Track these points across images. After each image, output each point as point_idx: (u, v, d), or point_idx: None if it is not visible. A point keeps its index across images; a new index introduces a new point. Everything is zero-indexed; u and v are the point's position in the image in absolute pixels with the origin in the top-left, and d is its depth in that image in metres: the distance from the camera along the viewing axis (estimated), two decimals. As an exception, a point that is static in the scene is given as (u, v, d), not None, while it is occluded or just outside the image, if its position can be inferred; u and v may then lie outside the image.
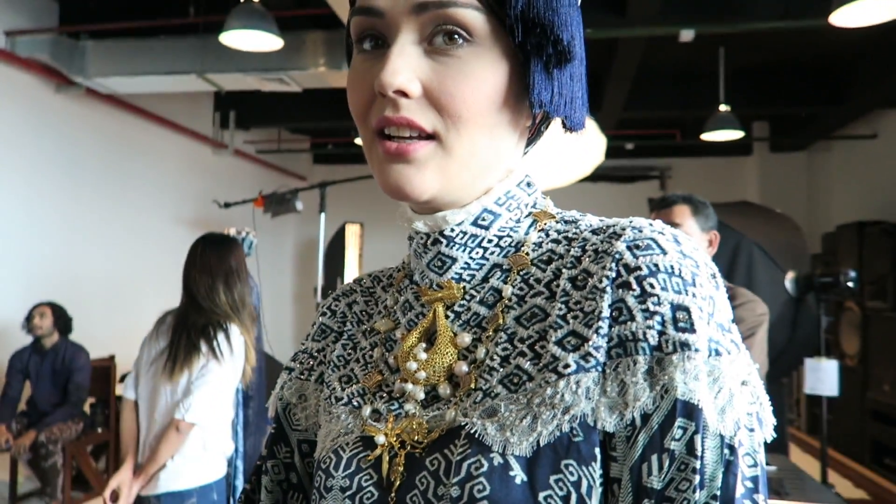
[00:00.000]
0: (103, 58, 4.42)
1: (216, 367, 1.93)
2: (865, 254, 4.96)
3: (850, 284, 2.70)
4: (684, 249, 0.45)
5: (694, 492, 0.40)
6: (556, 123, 0.53)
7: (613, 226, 0.48)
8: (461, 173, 0.48)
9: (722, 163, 7.86)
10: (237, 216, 6.18)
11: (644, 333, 0.42)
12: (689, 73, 5.68)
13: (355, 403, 0.54)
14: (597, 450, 0.42)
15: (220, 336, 1.97)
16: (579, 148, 2.90)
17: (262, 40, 3.43)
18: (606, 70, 5.08)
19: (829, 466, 3.06)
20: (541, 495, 0.41)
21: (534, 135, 0.54)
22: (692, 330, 0.42)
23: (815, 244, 6.56)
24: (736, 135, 4.89)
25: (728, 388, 0.42)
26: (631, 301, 0.43)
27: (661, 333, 0.42)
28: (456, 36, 0.45)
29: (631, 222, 0.48)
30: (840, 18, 2.57)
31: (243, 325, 2.04)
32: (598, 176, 7.38)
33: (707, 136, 4.97)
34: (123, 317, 5.20)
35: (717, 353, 0.42)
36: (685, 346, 0.41)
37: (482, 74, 0.45)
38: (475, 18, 0.44)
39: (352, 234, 7.24)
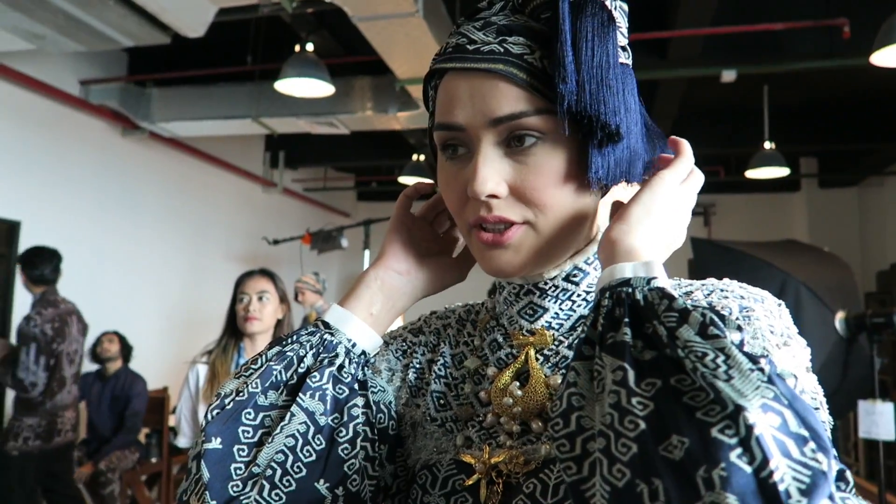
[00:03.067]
0: (167, 104, 4.70)
1: None
2: (922, 293, 4.79)
3: (904, 325, 2.63)
4: (784, 312, 0.55)
5: None
6: None
7: (711, 283, 0.56)
8: (552, 248, 0.55)
9: (768, 199, 7.73)
10: (285, 253, 6.39)
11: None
12: (733, 111, 5.68)
13: (448, 427, 0.60)
14: None
15: None
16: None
17: (314, 87, 3.62)
18: (648, 109, 5.12)
19: (888, 515, 2.94)
20: None
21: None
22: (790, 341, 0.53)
23: (869, 283, 6.36)
24: (781, 172, 4.85)
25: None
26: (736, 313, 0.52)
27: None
28: (527, 138, 0.51)
29: (730, 282, 0.56)
30: (881, 59, 2.58)
31: None
32: (640, 212, 7.36)
33: (751, 174, 4.94)
34: (177, 350, 5.39)
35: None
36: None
37: (556, 166, 0.52)
38: (541, 121, 0.51)
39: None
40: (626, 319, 0.42)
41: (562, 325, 0.58)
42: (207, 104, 4.66)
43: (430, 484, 0.56)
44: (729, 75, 3.82)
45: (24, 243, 4.16)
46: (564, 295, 0.58)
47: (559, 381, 0.55)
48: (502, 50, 0.51)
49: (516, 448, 0.54)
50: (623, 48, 0.55)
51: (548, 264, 0.56)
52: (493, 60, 0.50)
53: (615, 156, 0.52)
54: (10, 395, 4.11)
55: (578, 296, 0.58)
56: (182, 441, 2.19)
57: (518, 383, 0.57)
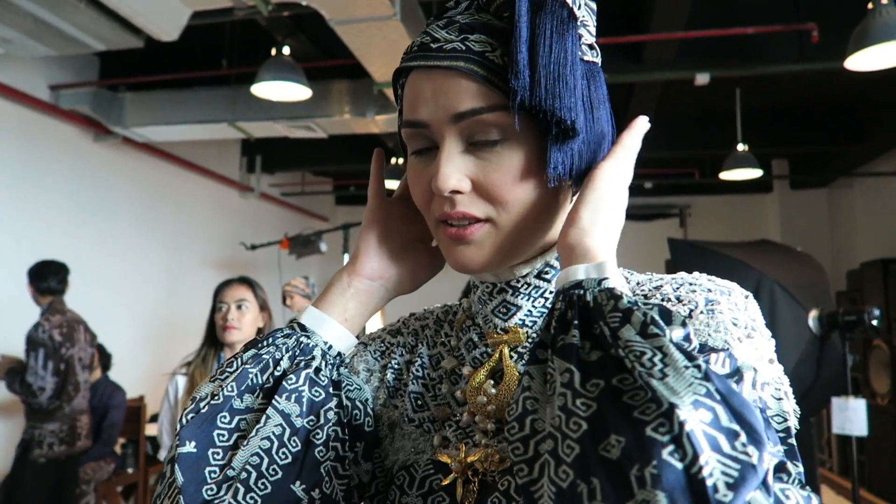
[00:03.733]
0: (140, 108, 4.63)
1: None
2: (891, 291, 4.91)
3: (875, 322, 2.69)
4: (751, 305, 0.55)
5: None
6: None
7: (677, 277, 0.57)
8: (515, 245, 0.55)
9: (742, 200, 7.87)
10: (263, 258, 6.33)
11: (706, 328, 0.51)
12: (707, 114, 5.77)
13: (426, 428, 0.61)
14: None
15: None
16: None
17: (291, 91, 3.59)
18: (623, 111, 5.19)
19: (862, 509, 2.99)
20: None
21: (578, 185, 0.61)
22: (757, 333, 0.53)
23: (840, 282, 6.49)
24: (754, 173, 4.93)
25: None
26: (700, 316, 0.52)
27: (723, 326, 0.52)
28: (489, 134, 0.52)
29: (699, 276, 0.56)
30: (854, 63, 2.64)
31: None
32: (617, 214, 7.44)
33: (725, 175, 5.02)
34: (154, 358, 5.30)
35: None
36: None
37: (518, 163, 0.53)
38: (501, 117, 0.51)
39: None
40: (576, 322, 0.43)
41: (535, 322, 0.59)
42: (182, 108, 4.60)
43: (407, 484, 0.56)
44: (703, 78, 3.88)
45: (-6, 251, 4.06)
46: (537, 292, 0.58)
47: None
48: (464, 48, 0.52)
49: (492, 446, 0.55)
50: (590, 46, 0.56)
51: (513, 260, 0.57)
52: (454, 58, 0.51)
53: (574, 151, 0.52)
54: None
55: (551, 293, 0.59)
56: (163, 453, 2.15)
57: (492, 381, 0.58)
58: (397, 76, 0.58)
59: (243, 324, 2.11)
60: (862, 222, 6.64)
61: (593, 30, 0.57)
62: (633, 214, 8.00)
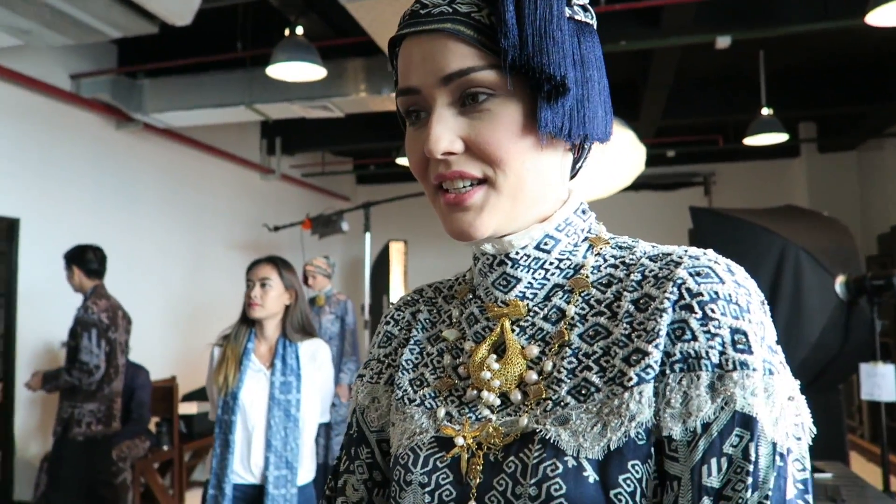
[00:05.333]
0: (159, 94, 4.68)
1: None
2: (924, 254, 4.79)
3: (904, 286, 2.64)
4: (738, 279, 0.52)
5: (747, 492, 0.45)
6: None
7: (670, 254, 0.54)
8: (515, 207, 0.55)
9: (768, 166, 7.70)
10: (286, 239, 6.40)
11: (707, 352, 0.48)
12: (729, 78, 5.63)
13: (428, 405, 0.60)
14: (652, 448, 0.49)
15: None
16: (618, 159, 2.93)
17: (306, 71, 3.59)
18: (643, 79, 5.08)
19: (891, 473, 2.97)
20: (612, 493, 0.48)
21: (579, 154, 0.60)
22: (749, 351, 0.48)
23: (871, 246, 6.35)
24: (780, 138, 4.82)
25: (779, 403, 0.48)
26: (694, 323, 0.49)
27: (721, 353, 0.48)
28: (480, 95, 0.52)
29: (686, 251, 0.54)
30: (876, 18, 2.55)
31: None
32: (640, 185, 7.34)
33: (750, 141, 4.91)
34: (182, 339, 5.43)
35: (770, 373, 0.48)
36: (744, 365, 0.47)
37: (510, 119, 0.52)
38: (491, 76, 0.51)
39: (396, 251, 7.38)
40: None
41: (535, 294, 0.58)
42: (199, 93, 4.63)
43: (412, 463, 0.57)
44: (723, 41, 3.78)
45: (24, 240, 4.17)
46: (536, 264, 0.58)
47: (535, 351, 0.56)
48: (451, 10, 0.52)
49: (497, 420, 0.55)
50: (583, 8, 0.56)
51: (513, 226, 0.56)
52: (441, 20, 0.52)
53: (565, 108, 0.52)
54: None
55: (551, 264, 0.58)
56: (210, 414, 2.29)
57: (495, 356, 0.57)
58: (392, 47, 0.58)
59: (266, 301, 2.17)
60: (893, 184, 6.46)
61: None
62: (655, 184, 7.89)
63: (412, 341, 0.66)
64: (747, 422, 0.46)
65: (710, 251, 0.54)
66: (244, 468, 2.12)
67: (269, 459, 2.10)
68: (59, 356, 4.29)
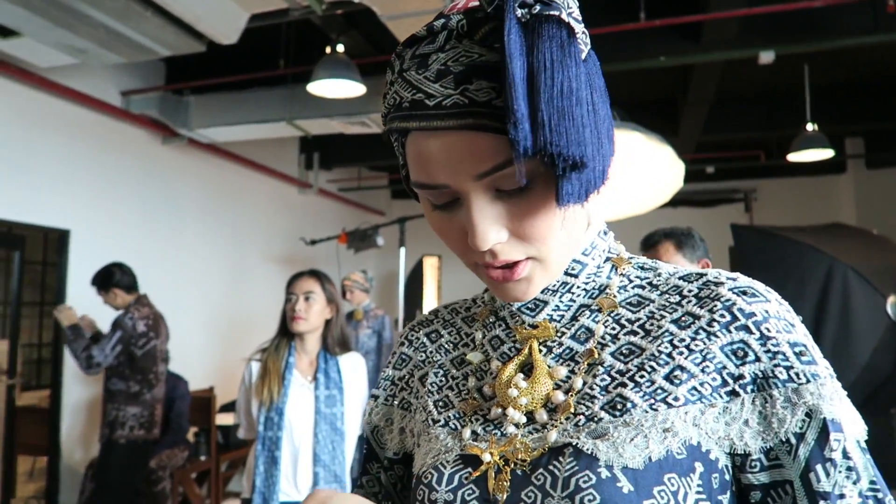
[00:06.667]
0: (204, 110, 4.82)
1: None
2: (981, 274, 4.58)
3: (961, 308, 2.53)
4: (777, 297, 0.55)
5: (856, 483, 0.49)
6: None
7: (704, 274, 0.57)
8: (560, 267, 0.56)
9: (813, 182, 7.50)
10: (322, 252, 6.48)
11: (773, 370, 0.51)
12: (772, 93, 5.52)
13: (453, 426, 0.60)
14: (697, 463, 0.50)
15: None
16: (656, 175, 2.90)
17: (346, 88, 3.66)
18: (683, 95, 5.03)
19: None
20: (645, 503, 0.48)
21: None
22: (815, 362, 0.51)
23: (923, 265, 6.10)
24: (825, 154, 4.70)
25: (847, 402, 0.52)
26: (755, 344, 0.52)
27: (789, 368, 0.51)
28: (517, 183, 0.48)
29: (719, 272, 0.57)
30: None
31: None
32: (679, 201, 7.21)
33: (794, 157, 4.80)
34: (222, 350, 5.53)
35: (832, 377, 0.52)
36: (815, 376, 0.51)
37: (545, 200, 0.50)
38: (524, 166, 0.47)
39: (430, 266, 7.40)
40: None
41: (563, 316, 0.59)
42: (242, 109, 4.75)
43: (436, 481, 0.56)
44: (767, 56, 3.71)
45: (74, 251, 4.32)
46: (564, 288, 0.58)
47: (563, 372, 0.56)
48: (467, 101, 0.47)
49: (523, 437, 0.55)
50: (583, 34, 0.51)
51: (557, 277, 0.57)
52: (460, 115, 0.47)
53: (581, 179, 0.47)
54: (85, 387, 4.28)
55: (578, 287, 0.59)
56: (240, 433, 2.27)
57: (522, 375, 0.58)
58: (391, 129, 0.53)
59: (310, 315, 2.17)
60: (946, 202, 6.21)
61: (578, 12, 0.51)
62: (694, 200, 7.75)
63: (435, 364, 0.67)
64: (837, 426, 0.50)
65: (736, 273, 0.57)
66: (290, 485, 2.08)
67: (319, 474, 2.06)
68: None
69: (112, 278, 3.34)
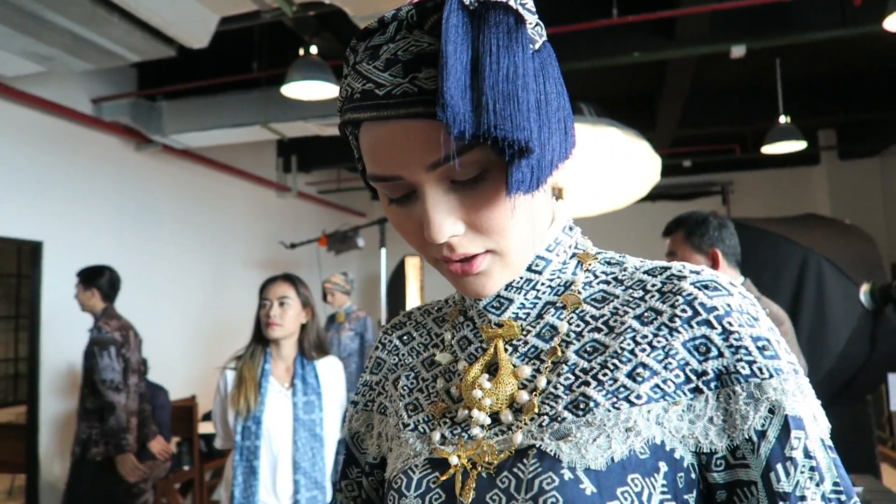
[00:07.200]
0: (177, 116, 4.76)
1: None
2: (951, 261, 4.68)
3: (932, 295, 2.58)
4: (741, 290, 0.54)
5: (818, 485, 0.48)
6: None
7: (669, 268, 0.56)
8: (520, 261, 0.55)
9: (788, 174, 7.61)
10: (302, 256, 6.43)
11: (735, 366, 0.50)
12: (746, 87, 5.59)
13: (422, 429, 0.60)
14: (661, 462, 0.49)
15: None
16: (632, 169, 2.91)
17: (320, 90, 3.63)
18: (658, 90, 5.06)
19: (925, 489, 2.88)
20: None
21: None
22: (777, 357, 0.50)
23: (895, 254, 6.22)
24: (798, 146, 4.76)
25: (812, 399, 0.50)
26: (717, 339, 0.50)
27: (751, 363, 0.49)
28: (470, 173, 0.48)
29: (683, 265, 0.55)
30: (894, 24, 2.52)
31: None
32: (656, 195, 7.27)
33: (768, 149, 4.86)
34: (203, 358, 5.47)
35: (796, 372, 0.50)
36: (778, 371, 0.49)
37: (502, 194, 0.49)
38: (476, 155, 0.47)
39: (412, 267, 7.38)
40: None
41: (528, 314, 0.58)
42: (216, 113, 4.70)
43: (405, 486, 0.56)
44: (738, 51, 3.75)
45: (48, 263, 4.24)
46: (529, 285, 0.58)
47: (528, 371, 0.56)
48: (416, 89, 0.46)
49: (489, 439, 0.55)
50: (535, 26, 0.50)
51: (519, 271, 0.56)
52: (409, 104, 0.46)
53: (533, 164, 0.46)
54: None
55: (542, 284, 0.58)
56: (217, 443, 2.23)
57: (487, 375, 0.57)
58: (345, 121, 0.52)
59: (285, 320, 2.13)
60: (917, 190, 6.34)
61: (532, 4, 0.51)
62: (672, 194, 7.82)
63: (406, 367, 0.66)
64: (799, 423, 0.48)
65: (699, 265, 0.56)
66: (270, 494, 2.04)
67: (300, 482, 2.03)
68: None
69: (100, 278, 3.28)
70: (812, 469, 0.48)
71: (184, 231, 5.51)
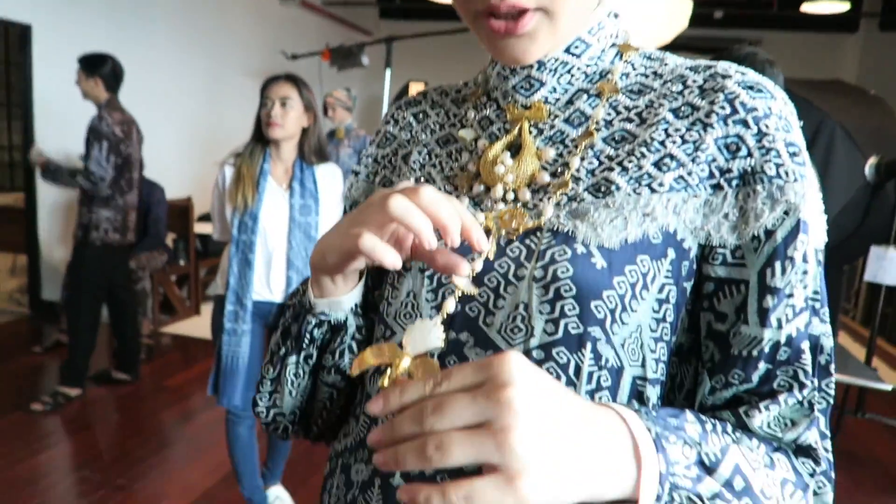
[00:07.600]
0: None
1: None
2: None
3: (937, 174, 2.56)
4: (783, 96, 0.52)
5: (804, 288, 0.50)
6: None
7: (714, 66, 0.54)
8: (568, 28, 0.52)
9: (821, 39, 7.18)
10: (303, 69, 6.17)
11: (762, 167, 0.50)
12: (800, -69, 5.07)
13: None
14: (670, 249, 0.51)
15: None
16: (661, 11, 2.73)
17: None
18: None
19: (875, 354, 3.08)
20: (615, 279, 0.50)
21: None
22: (804, 164, 0.50)
23: (911, 134, 6.09)
24: (841, 7, 4.44)
25: (820, 210, 0.51)
26: (750, 140, 0.50)
27: (779, 166, 0.49)
28: None
29: (731, 65, 0.53)
30: None
31: None
32: (679, 45, 6.88)
33: (808, 7, 4.53)
34: (199, 163, 5.46)
35: (815, 184, 0.51)
36: (802, 176, 0.50)
37: None
38: None
39: (416, 91, 7.16)
40: None
41: (558, 99, 0.56)
42: None
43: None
44: None
45: (37, 49, 4.04)
46: (564, 68, 0.55)
47: (552, 154, 0.55)
48: None
49: (511, 209, 0.55)
50: None
51: (561, 45, 0.54)
52: None
53: None
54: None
55: (578, 69, 0.56)
56: (215, 234, 2.28)
57: (509, 153, 0.56)
58: None
59: (286, 121, 2.06)
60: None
61: None
62: (696, 46, 7.41)
63: (420, 144, 0.64)
64: (806, 228, 0.50)
65: (748, 69, 0.53)
66: (264, 286, 2.11)
67: (292, 279, 2.08)
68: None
69: (103, 66, 3.16)
70: (804, 273, 0.50)
71: (179, 37, 5.21)
